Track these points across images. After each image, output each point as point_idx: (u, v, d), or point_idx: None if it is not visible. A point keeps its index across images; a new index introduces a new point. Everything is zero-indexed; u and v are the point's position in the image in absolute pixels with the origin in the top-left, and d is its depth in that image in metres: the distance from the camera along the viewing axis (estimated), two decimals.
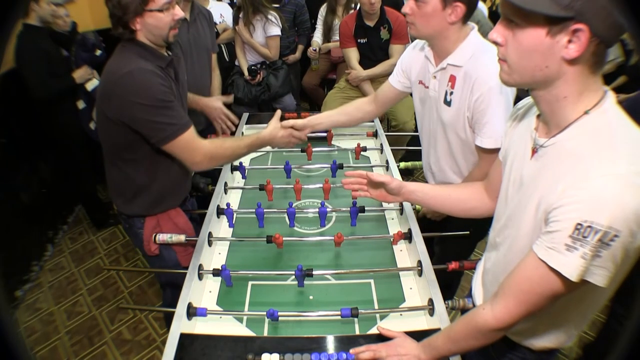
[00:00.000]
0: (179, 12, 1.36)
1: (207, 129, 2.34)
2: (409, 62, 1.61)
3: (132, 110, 1.28)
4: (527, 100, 1.00)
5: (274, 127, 1.56)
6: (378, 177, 1.26)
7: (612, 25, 0.70)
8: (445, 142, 1.55)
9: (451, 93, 1.42)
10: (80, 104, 2.80)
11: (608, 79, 3.80)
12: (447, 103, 1.45)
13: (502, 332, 0.89)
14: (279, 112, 1.62)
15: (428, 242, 1.44)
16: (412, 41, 1.79)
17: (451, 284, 2.06)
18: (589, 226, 0.70)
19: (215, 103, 2.07)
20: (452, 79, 1.41)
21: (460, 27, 1.36)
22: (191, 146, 1.37)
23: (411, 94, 1.69)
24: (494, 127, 1.34)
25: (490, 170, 1.16)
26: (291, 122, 1.64)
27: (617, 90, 3.61)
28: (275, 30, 2.93)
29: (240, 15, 2.95)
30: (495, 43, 0.82)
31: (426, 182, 1.81)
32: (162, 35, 1.36)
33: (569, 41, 0.72)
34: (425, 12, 1.30)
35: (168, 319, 2.00)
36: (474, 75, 1.34)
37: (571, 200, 0.73)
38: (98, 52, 2.81)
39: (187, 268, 1.35)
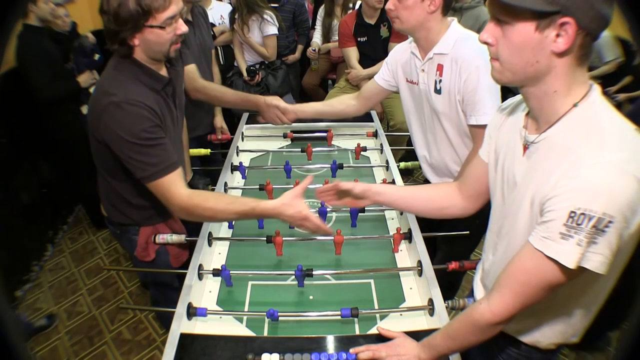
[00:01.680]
0: (182, 27, 1.24)
1: (210, 133, 2.34)
2: (396, 62, 1.67)
3: (116, 142, 1.21)
4: (511, 101, 1.01)
5: (284, 203, 1.22)
6: (344, 185, 1.24)
7: (596, 17, 0.72)
8: (442, 133, 1.58)
9: (440, 81, 1.48)
10: (85, 109, 2.80)
11: (610, 79, 3.81)
12: (438, 91, 1.50)
13: (500, 326, 0.89)
14: (300, 188, 1.25)
15: (428, 242, 1.45)
16: None
17: (454, 284, 2.07)
18: (582, 213, 0.72)
19: (273, 102, 1.86)
20: (440, 67, 1.47)
21: (442, 19, 1.45)
22: (168, 193, 1.25)
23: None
24: (487, 103, 1.39)
25: (467, 169, 1.16)
26: (278, 102, 1.80)
27: (621, 90, 3.62)
28: (272, 29, 2.93)
29: (236, 16, 2.95)
30: (486, 43, 0.83)
31: (425, 181, 1.82)
32: (163, 52, 1.25)
33: (557, 35, 0.74)
34: (406, 5, 1.39)
35: (163, 319, 2.00)
36: (459, 59, 1.41)
37: (563, 189, 0.74)
38: (96, 57, 2.82)
39: (184, 268, 1.35)
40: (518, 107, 0.97)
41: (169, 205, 1.27)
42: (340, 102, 1.90)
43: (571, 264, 0.74)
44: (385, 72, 1.73)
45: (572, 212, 0.72)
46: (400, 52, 1.67)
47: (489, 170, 1.05)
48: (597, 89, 0.81)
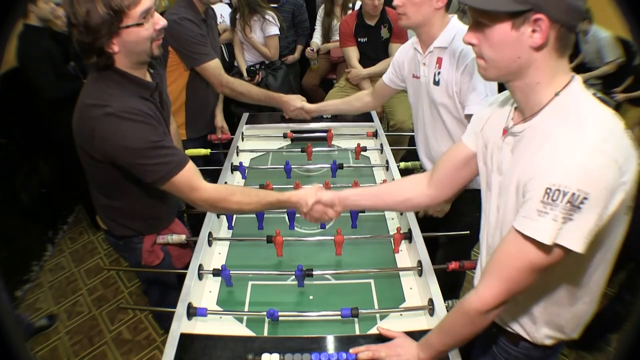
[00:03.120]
0: (160, 21, 1.16)
1: (210, 133, 2.34)
2: (402, 60, 1.74)
3: (120, 152, 1.15)
4: (499, 97, 1.05)
5: (307, 193, 1.31)
6: (311, 200, 1.30)
7: (567, 10, 0.77)
8: (441, 124, 1.62)
9: (439, 73, 1.54)
10: None
11: (610, 79, 3.80)
12: (436, 83, 1.55)
13: (489, 314, 0.89)
14: (319, 185, 1.38)
15: (428, 242, 1.45)
16: None
17: (456, 284, 2.07)
18: (557, 189, 0.74)
19: (297, 103, 2.06)
20: (439, 60, 1.53)
21: (444, 15, 1.51)
22: (189, 188, 1.22)
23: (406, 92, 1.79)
24: (483, 93, 1.44)
25: (443, 155, 1.18)
26: (305, 105, 2.02)
27: (624, 90, 3.62)
28: (274, 29, 2.94)
29: (237, 17, 2.95)
30: (470, 44, 0.88)
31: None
32: (146, 51, 1.17)
33: (533, 31, 0.78)
34: (415, 1, 1.45)
35: (162, 320, 2.00)
36: (457, 52, 1.47)
37: (541, 169, 0.78)
38: None
39: (185, 268, 1.35)
40: (506, 102, 1.00)
41: (193, 199, 1.25)
42: (358, 99, 2.04)
43: (547, 240, 0.76)
44: (391, 71, 1.81)
45: (548, 188, 0.75)
46: (405, 51, 1.73)
47: (478, 165, 1.07)
48: (578, 79, 0.84)
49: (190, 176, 1.22)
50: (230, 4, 3.46)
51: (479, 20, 0.83)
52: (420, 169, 1.89)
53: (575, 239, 0.75)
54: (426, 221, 1.65)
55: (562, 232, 0.75)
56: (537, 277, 0.83)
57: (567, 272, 0.90)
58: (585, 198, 0.72)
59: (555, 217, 0.74)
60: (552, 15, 0.76)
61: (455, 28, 1.50)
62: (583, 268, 0.90)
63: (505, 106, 0.99)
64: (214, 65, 1.97)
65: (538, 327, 0.99)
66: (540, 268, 0.81)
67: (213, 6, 3.11)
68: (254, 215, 1.60)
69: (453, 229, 1.60)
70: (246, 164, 2.00)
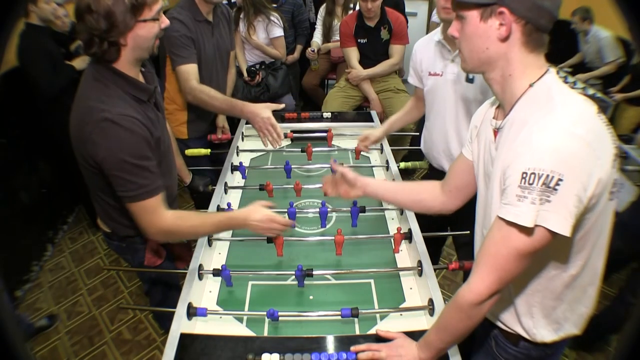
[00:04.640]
0: (165, 20, 1.21)
1: (208, 132, 2.33)
2: (419, 58, 1.72)
3: (110, 159, 1.13)
4: (485, 104, 1.09)
5: (251, 209, 1.31)
6: (340, 168, 1.34)
7: (532, 8, 0.81)
8: (468, 121, 1.58)
9: None
10: None
11: (610, 79, 3.79)
12: (470, 80, 1.55)
13: (482, 306, 0.89)
14: (265, 202, 1.36)
15: (429, 242, 1.45)
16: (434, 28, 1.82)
17: None
18: (533, 173, 0.76)
19: (264, 113, 1.70)
20: None
21: None
22: (149, 216, 1.21)
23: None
24: None
25: (451, 168, 1.21)
26: (373, 133, 1.84)
27: (620, 90, 3.61)
28: (279, 31, 2.96)
29: (241, 16, 2.95)
30: (453, 37, 0.94)
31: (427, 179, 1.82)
32: (149, 48, 1.19)
33: (501, 24, 0.84)
34: None
35: (162, 320, 2.00)
36: None
37: (516, 155, 0.81)
38: None
39: (185, 268, 1.35)
40: (492, 105, 1.04)
41: (149, 226, 1.22)
42: (415, 107, 1.89)
43: (528, 223, 0.77)
44: (413, 72, 1.78)
45: (524, 172, 0.77)
46: (421, 50, 1.71)
47: (474, 168, 1.09)
48: (552, 71, 0.88)
49: (154, 207, 1.20)
50: (229, 4, 3.47)
51: (458, 14, 0.90)
52: (422, 169, 1.88)
53: (557, 221, 0.77)
54: (427, 222, 1.65)
55: (543, 214, 0.77)
56: (526, 263, 0.84)
57: (560, 261, 0.92)
58: (560, 179, 0.75)
59: (533, 200, 0.77)
60: (515, 11, 0.82)
61: None
62: (575, 256, 0.91)
63: (490, 109, 1.03)
64: (185, 70, 1.88)
65: (536, 322, 1.00)
66: (527, 253, 0.82)
67: None
68: None
69: (463, 227, 1.59)
70: (246, 164, 2.00)
